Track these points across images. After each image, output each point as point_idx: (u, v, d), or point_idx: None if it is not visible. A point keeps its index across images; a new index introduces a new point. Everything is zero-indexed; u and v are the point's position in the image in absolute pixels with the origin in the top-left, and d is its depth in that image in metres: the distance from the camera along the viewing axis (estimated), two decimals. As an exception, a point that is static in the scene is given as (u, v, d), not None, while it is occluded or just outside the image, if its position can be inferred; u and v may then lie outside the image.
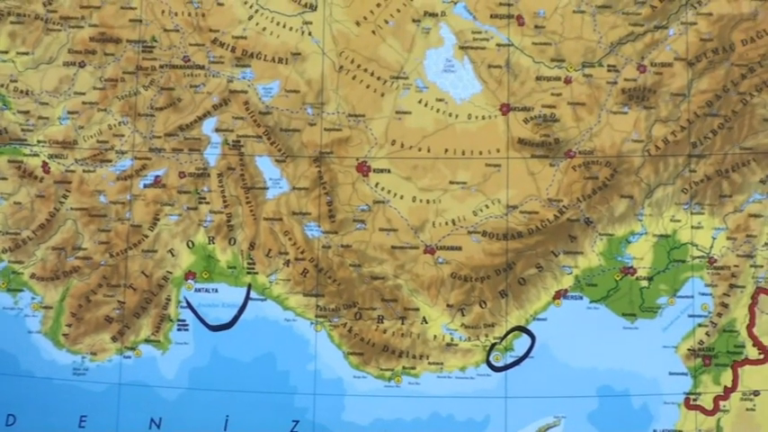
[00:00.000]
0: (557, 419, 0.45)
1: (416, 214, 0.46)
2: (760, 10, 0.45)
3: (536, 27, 0.45)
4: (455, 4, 0.46)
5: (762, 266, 0.45)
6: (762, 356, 0.45)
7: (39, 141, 0.46)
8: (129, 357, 0.45)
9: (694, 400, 0.46)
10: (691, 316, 0.46)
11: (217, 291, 0.46)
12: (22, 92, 0.46)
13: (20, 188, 0.46)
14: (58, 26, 0.46)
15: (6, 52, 0.46)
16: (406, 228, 0.46)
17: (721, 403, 0.45)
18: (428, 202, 0.46)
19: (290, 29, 0.46)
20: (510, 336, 0.46)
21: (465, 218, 0.46)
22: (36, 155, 0.46)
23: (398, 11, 0.46)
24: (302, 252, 0.46)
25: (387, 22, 0.45)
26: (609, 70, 0.45)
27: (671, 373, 0.46)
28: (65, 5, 0.46)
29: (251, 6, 0.46)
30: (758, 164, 0.45)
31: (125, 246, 0.46)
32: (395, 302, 0.46)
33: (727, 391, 0.46)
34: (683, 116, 0.45)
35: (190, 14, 0.46)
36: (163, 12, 0.46)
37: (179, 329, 0.46)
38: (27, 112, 0.46)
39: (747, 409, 0.45)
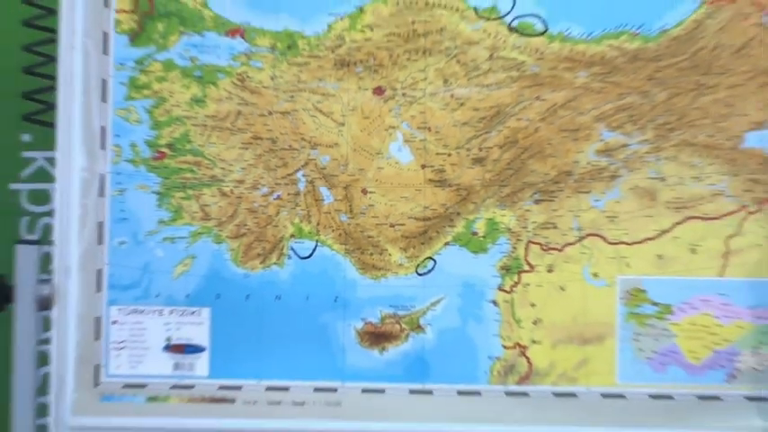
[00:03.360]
0: (444, 296, 1.07)
1: (387, 211, 1.08)
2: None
3: (437, 132, 1.07)
4: (402, 122, 1.07)
5: (530, 231, 1.07)
6: (529, 268, 1.07)
7: (230, 180, 1.08)
8: (269, 270, 1.07)
9: (502, 287, 1.07)
10: (501, 252, 1.07)
11: (303, 242, 1.08)
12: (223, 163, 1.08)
13: (219, 201, 1.08)
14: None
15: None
16: (383, 216, 1.08)
17: (513, 288, 1.07)
18: (392, 205, 1.07)
19: (333, 133, 1.08)
20: (426, 260, 1.07)
21: (408, 212, 1.07)
22: (228, 186, 1.08)
23: (378, 126, 1.07)
24: (339, 226, 1.08)
25: (374, 130, 1.07)
26: (467, 150, 1.07)
27: (492, 276, 1.07)
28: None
29: (317, 122, 1.08)
30: (529, 188, 1.06)
31: (265, 224, 1.08)
32: (378, 247, 1.08)
33: (516, 284, 1.07)
34: (498, 169, 1.07)
35: (291, 127, 1.08)
36: (274, 128, 1.08)
37: (288, 258, 1.07)
38: (223, 169, 1.08)
39: (524, 290, 1.07)
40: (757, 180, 1.04)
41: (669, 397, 1.04)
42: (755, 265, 1.04)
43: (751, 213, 1.04)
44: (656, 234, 1.04)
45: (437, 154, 1.03)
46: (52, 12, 1.10)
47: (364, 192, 1.02)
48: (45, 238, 1.22)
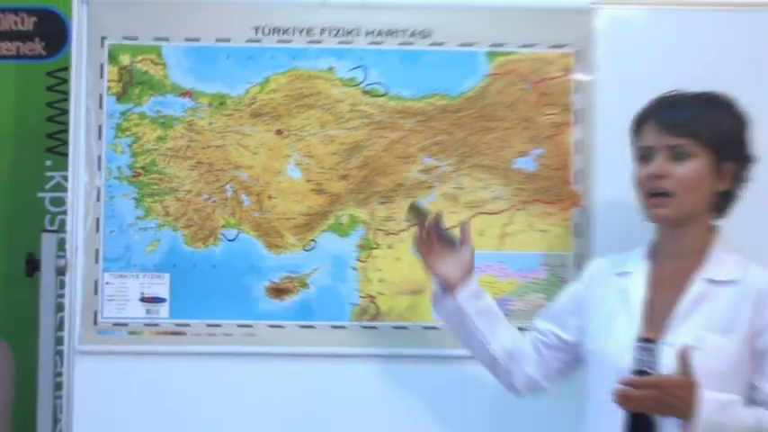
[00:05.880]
0: (321, 264, 1.64)
1: (284, 210, 1.64)
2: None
3: (317, 159, 1.64)
4: (294, 152, 1.65)
5: (377, 222, 1.63)
6: (376, 246, 1.63)
7: (182, 191, 1.65)
8: (208, 248, 1.64)
9: (359, 258, 1.64)
10: (358, 236, 1.62)
11: (230, 230, 1.64)
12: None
13: (175, 204, 1.65)
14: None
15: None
16: (282, 213, 1.64)
17: (366, 259, 1.64)
18: (288, 206, 1.64)
19: (250, 159, 1.65)
20: (309, 241, 1.64)
21: (298, 210, 1.64)
22: (181, 194, 1.65)
23: (279, 154, 1.64)
24: (254, 220, 1.64)
25: (276, 158, 1.65)
26: (336, 170, 1.65)
27: (353, 251, 1.61)
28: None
29: (240, 153, 1.65)
30: (376, 195, 1.64)
31: (205, 219, 1.64)
32: (279, 233, 1.64)
33: (368, 256, 1.63)
34: (356, 183, 1.65)
35: (222, 156, 1.65)
36: (211, 156, 1.65)
37: (221, 241, 1.63)
38: (178, 183, 1.65)
39: (373, 261, 1.64)
40: (522, 188, 1.63)
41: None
42: (521, 243, 1.63)
43: (518, 210, 1.63)
44: (458, 224, 1.62)
45: (317, 173, 1.62)
46: (66, 81, 1.68)
47: (270, 197, 1.61)
48: (61, 229, 1.80)
